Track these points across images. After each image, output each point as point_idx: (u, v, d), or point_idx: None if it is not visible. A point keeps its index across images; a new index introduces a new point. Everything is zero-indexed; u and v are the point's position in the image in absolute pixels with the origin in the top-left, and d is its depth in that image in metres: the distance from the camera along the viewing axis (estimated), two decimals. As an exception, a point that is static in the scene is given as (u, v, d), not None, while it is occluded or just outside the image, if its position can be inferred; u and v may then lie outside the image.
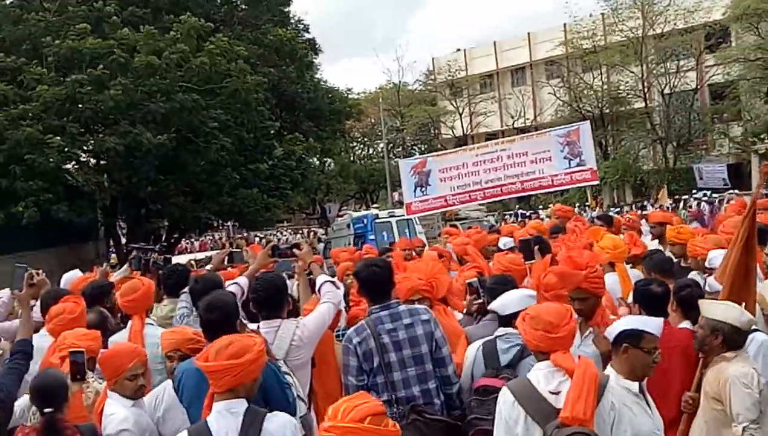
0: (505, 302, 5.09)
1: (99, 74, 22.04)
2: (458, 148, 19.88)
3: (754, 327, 4.89)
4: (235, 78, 24.65)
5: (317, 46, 36.41)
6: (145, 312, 6.41)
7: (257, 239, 46.69)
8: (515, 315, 4.72)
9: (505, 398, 3.84)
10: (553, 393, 3.72)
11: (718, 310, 4.61)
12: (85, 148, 24.41)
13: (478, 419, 4.55)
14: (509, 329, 4.95)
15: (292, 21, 34.80)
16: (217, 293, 5.24)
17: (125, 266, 8.99)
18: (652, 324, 4.12)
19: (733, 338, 4.49)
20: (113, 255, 28.17)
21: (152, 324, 6.36)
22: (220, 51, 24.33)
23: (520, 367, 4.74)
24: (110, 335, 6.29)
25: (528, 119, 57.80)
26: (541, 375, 3.82)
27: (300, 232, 55.08)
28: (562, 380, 3.74)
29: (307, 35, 35.80)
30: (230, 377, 3.72)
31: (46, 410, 4.32)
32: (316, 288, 5.76)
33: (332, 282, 5.71)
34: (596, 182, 14.81)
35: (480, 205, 29.84)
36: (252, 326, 5.16)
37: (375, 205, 44.30)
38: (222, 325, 4.55)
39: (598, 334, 4.84)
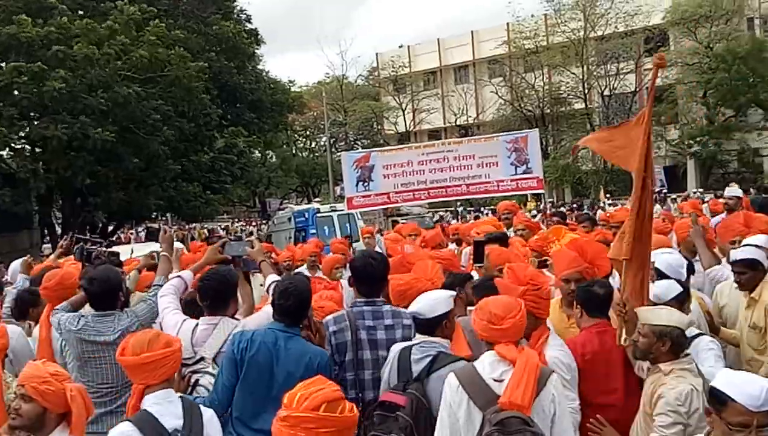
0: (428, 304, 4.66)
1: (37, 69, 21.58)
2: (404, 145, 19.85)
3: (698, 331, 4.98)
4: (176, 65, 24.32)
5: (259, 37, 36.16)
6: (59, 301, 6.05)
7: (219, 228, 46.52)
8: (439, 320, 4.61)
9: (450, 383, 3.91)
10: (496, 381, 3.80)
11: (661, 315, 4.50)
12: (21, 134, 23.92)
13: None
14: (427, 337, 4.62)
15: (235, 12, 34.53)
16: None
17: (53, 255, 8.78)
18: (746, 390, 3.09)
19: (680, 342, 4.41)
20: (47, 245, 27.58)
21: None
22: (159, 38, 23.99)
23: (430, 381, 4.41)
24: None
25: (470, 117, 58.25)
26: (486, 363, 3.90)
27: (251, 223, 54.51)
28: (506, 370, 3.80)
29: (249, 26, 35.55)
30: (167, 366, 3.79)
31: None
32: (265, 288, 5.56)
33: None
34: (541, 191, 14.86)
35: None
36: None
37: (317, 200, 44.15)
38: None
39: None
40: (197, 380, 4.76)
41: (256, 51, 35.87)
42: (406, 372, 4.50)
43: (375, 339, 5.00)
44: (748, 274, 5.99)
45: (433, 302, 4.67)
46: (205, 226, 48.29)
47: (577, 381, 4.71)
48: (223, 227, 50.21)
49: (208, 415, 3.90)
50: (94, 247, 8.04)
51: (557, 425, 3.83)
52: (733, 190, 11.56)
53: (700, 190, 31.44)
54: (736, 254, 6.23)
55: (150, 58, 23.50)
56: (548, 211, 15.68)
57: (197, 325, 4.99)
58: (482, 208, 39.38)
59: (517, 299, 4.17)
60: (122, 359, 3.79)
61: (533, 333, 4.68)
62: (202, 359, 4.82)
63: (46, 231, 28.91)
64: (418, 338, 4.69)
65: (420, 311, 4.65)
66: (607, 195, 38.96)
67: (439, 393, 4.15)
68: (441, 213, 37.76)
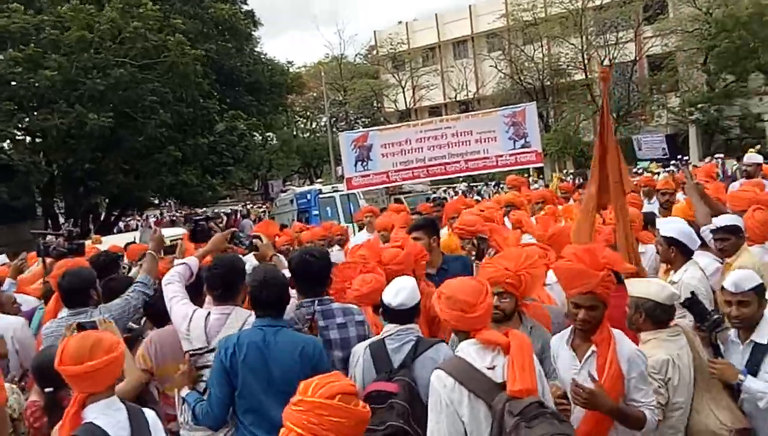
0: (410, 293, 4.53)
1: (31, 53, 21.57)
2: (401, 124, 19.78)
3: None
4: (173, 51, 24.28)
5: (257, 18, 36.04)
6: None
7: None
8: (412, 310, 4.52)
9: (445, 382, 3.72)
10: (489, 369, 3.70)
11: (638, 287, 4.58)
12: (20, 126, 23.96)
13: (370, 431, 3.91)
14: (399, 326, 4.49)
15: (232, -6, 34.45)
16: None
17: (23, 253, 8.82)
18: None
19: (655, 314, 4.46)
20: (50, 237, 27.59)
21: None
22: (154, 19, 23.96)
23: (416, 366, 4.34)
24: None
25: (470, 92, 57.98)
26: (473, 352, 3.77)
27: (262, 206, 54.25)
28: (495, 355, 3.73)
29: (245, 7, 35.43)
30: (112, 373, 3.62)
31: (47, 389, 4.29)
32: None
33: None
34: (540, 164, 14.89)
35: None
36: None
37: (319, 180, 44.12)
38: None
39: None
40: (201, 376, 4.69)
41: (253, 33, 35.78)
42: (385, 364, 4.40)
43: (329, 339, 4.81)
44: (731, 240, 6.16)
45: (413, 289, 4.56)
46: (215, 210, 47.98)
47: None
48: (237, 209, 48.73)
49: (153, 419, 3.76)
50: (52, 240, 8.04)
51: (547, 401, 3.77)
52: (752, 156, 11.55)
53: (721, 155, 31.24)
54: (719, 221, 6.35)
55: (145, 36, 23.42)
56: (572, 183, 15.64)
57: (209, 314, 4.82)
58: (500, 184, 39.15)
59: (480, 279, 4.07)
60: (62, 368, 3.53)
61: (601, 328, 4.18)
62: (213, 349, 4.66)
63: (49, 221, 28.96)
64: (390, 328, 4.54)
65: (404, 301, 4.50)
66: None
67: (426, 376, 4.07)
68: (461, 188, 37.94)
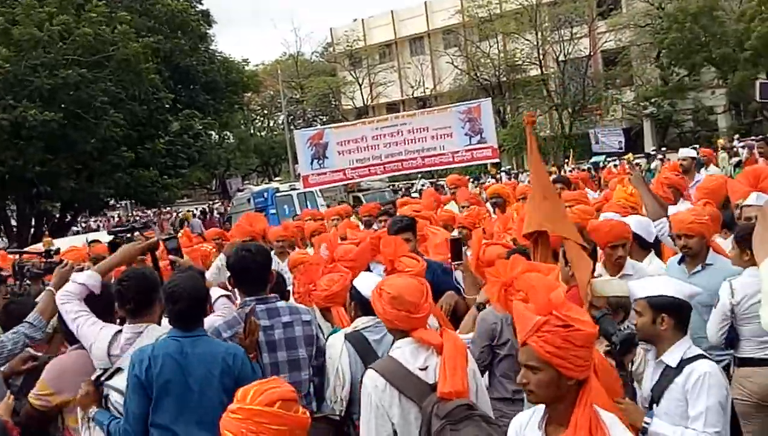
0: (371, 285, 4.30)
1: None
2: (357, 121, 19.78)
3: (698, 353, 3.93)
4: (119, 42, 23.91)
5: (211, 17, 35.72)
6: None
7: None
8: None
9: (376, 383, 3.67)
10: (421, 369, 3.67)
11: (613, 286, 4.40)
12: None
13: None
14: (376, 318, 4.26)
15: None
16: None
17: None
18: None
19: (630, 310, 4.35)
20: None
21: None
22: (101, 19, 23.61)
23: None
24: None
25: (428, 89, 58.08)
26: (407, 352, 3.72)
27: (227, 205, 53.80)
28: (428, 356, 3.70)
29: (200, 6, 35.10)
30: None
31: None
32: (212, 302, 4.96)
33: (227, 296, 5.04)
34: (497, 160, 14.99)
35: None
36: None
37: (278, 179, 43.94)
38: None
39: None
40: (107, 396, 4.28)
41: (207, 32, 35.45)
42: (373, 355, 4.32)
43: (273, 340, 4.59)
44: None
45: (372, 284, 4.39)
46: (180, 210, 47.44)
47: None
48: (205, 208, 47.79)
49: None
50: (29, 262, 7.38)
51: (480, 399, 3.75)
52: (686, 151, 11.74)
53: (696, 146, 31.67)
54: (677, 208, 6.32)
55: (94, 37, 23.07)
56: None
57: (119, 332, 4.39)
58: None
59: (418, 279, 3.96)
60: None
61: (574, 422, 2.82)
62: (118, 370, 4.24)
63: (2, 226, 28.49)
64: (366, 320, 4.49)
65: (362, 289, 4.49)
66: (566, 160, 39.18)
67: None
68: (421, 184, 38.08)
